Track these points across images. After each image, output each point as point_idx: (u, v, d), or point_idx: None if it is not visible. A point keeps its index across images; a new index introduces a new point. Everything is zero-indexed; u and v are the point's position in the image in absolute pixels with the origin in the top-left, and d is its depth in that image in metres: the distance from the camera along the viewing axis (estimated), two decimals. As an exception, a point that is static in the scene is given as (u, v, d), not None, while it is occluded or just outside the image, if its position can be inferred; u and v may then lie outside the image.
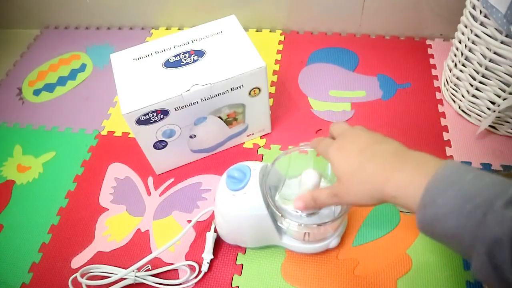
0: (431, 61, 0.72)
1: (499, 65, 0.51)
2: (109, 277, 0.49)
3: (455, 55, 0.60)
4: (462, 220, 0.26)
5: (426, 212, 0.28)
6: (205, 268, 0.50)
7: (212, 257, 0.51)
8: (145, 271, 0.50)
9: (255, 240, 0.50)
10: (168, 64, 0.54)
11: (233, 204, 0.45)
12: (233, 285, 0.49)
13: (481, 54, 0.53)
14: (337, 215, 0.43)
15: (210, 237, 0.51)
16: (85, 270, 0.50)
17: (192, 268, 0.50)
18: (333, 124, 0.41)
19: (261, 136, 0.65)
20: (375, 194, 0.32)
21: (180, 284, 0.49)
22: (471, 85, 0.58)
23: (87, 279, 0.50)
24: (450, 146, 0.60)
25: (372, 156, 0.34)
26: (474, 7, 0.53)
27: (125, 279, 0.49)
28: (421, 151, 0.32)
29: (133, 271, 0.49)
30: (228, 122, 0.58)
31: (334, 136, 0.40)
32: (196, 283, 0.50)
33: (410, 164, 0.31)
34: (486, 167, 0.57)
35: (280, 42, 0.80)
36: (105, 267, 0.51)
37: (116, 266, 0.52)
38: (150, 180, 0.62)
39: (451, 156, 0.58)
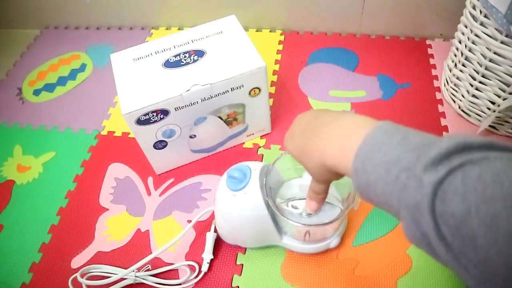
0: (431, 61, 0.72)
1: (499, 65, 0.51)
2: (109, 277, 0.49)
3: (455, 55, 0.60)
4: (389, 185, 0.26)
5: (359, 179, 0.28)
6: (205, 268, 0.50)
7: (212, 257, 0.51)
8: (145, 271, 0.50)
9: (255, 240, 0.50)
10: (168, 64, 0.54)
11: (233, 204, 0.45)
12: (233, 285, 0.49)
13: (481, 54, 0.53)
14: (337, 215, 0.43)
15: (210, 237, 0.51)
16: (85, 270, 0.50)
17: (192, 268, 0.50)
18: None
19: (261, 136, 0.65)
20: (322, 167, 0.32)
21: (180, 284, 0.49)
22: (471, 85, 0.58)
23: (87, 279, 0.50)
24: (450, 146, 0.60)
25: (311, 131, 0.34)
26: (474, 7, 0.53)
27: (125, 279, 0.49)
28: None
29: (133, 271, 0.49)
30: (228, 122, 0.58)
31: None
32: (196, 283, 0.50)
33: (342, 130, 0.31)
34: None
35: (280, 42, 0.80)
36: (105, 267, 0.51)
37: (116, 266, 0.52)
38: (150, 180, 0.62)
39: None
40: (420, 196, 0.24)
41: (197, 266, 0.50)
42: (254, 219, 0.45)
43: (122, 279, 0.49)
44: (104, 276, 0.50)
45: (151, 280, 0.49)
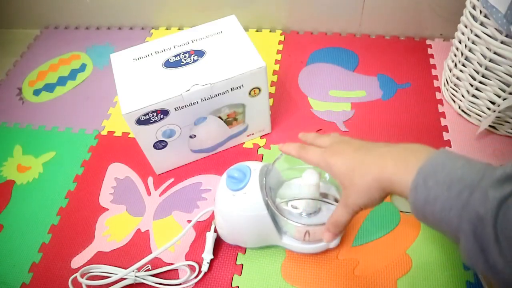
0: (431, 61, 0.72)
1: (499, 65, 0.51)
2: (109, 277, 0.49)
3: (455, 55, 0.60)
4: (450, 201, 0.27)
5: (417, 195, 0.29)
6: (205, 268, 0.50)
7: (212, 257, 0.51)
8: (145, 271, 0.50)
9: (255, 240, 0.50)
10: (168, 64, 0.54)
11: (233, 204, 0.45)
12: (233, 285, 0.49)
13: (481, 54, 0.53)
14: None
15: (210, 237, 0.51)
16: (85, 270, 0.50)
17: (192, 268, 0.50)
18: (316, 136, 0.42)
19: (261, 136, 0.65)
20: (376, 184, 0.33)
21: (180, 284, 0.49)
22: (471, 85, 0.58)
23: (87, 279, 0.50)
24: (450, 146, 0.60)
25: (369, 149, 0.35)
26: (474, 7, 0.53)
27: (125, 279, 0.49)
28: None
29: (133, 271, 0.49)
30: (228, 122, 0.58)
31: (320, 146, 0.40)
32: (196, 283, 0.50)
33: (406, 151, 0.32)
34: (486, 167, 0.57)
35: (280, 42, 0.80)
36: (105, 267, 0.51)
37: (116, 266, 0.52)
38: (150, 180, 0.62)
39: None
40: (484, 209, 0.25)
41: (197, 266, 0.50)
42: (254, 219, 0.45)
43: (122, 279, 0.49)
44: (104, 276, 0.50)
45: (151, 280, 0.49)
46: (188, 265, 0.50)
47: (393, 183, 0.31)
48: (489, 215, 0.24)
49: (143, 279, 0.49)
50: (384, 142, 0.37)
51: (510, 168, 0.26)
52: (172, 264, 0.51)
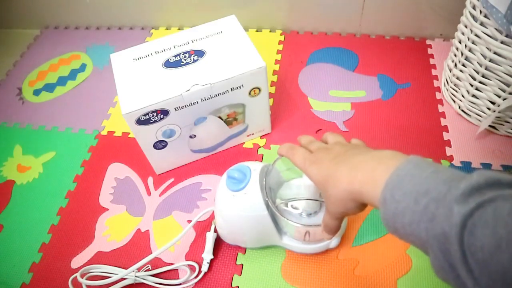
0: (431, 61, 0.72)
1: (499, 65, 0.51)
2: (109, 277, 0.49)
3: (455, 55, 0.60)
4: (417, 214, 0.26)
5: (386, 208, 0.28)
6: (205, 268, 0.50)
7: (212, 257, 0.51)
8: (145, 271, 0.50)
9: (255, 240, 0.50)
10: (168, 64, 0.54)
11: (233, 205, 0.45)
12: (233, 285, 0.49)
13: (481, 54, 0.53)
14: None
15: (210, 237, 0.51)
16: (85, 270, 0.50)
17: (192, 268, 0.50)
18: (310, 141, 0.42)
19: (261, 136, 0.65)
20: (347, 195, 0.32)
21: (180, 284, 0.49)
22: (471, 85, 0.58)
23: (87, 279, 0.50)
24: (450, 146, 0.60)
25: (341, 161, 0.34)
26: (474, 7, 0.53)
27: (125, 279, 0.49)
28: (415, 153, 0.33)
29: (133, 271, 0.49)
30: (228, 122, 0.58)
31: (311, 150, 0.40)
32: (196, 283, 0.50)
33: (374, 161, 0.31)
34: (486, 167, 0.57)
35: (280, 42, 0.80)
36: (105, 267, 0.51)
37: (116, 266, 0.52)
38: (150, 180, 0.62)
39: (451, 156, 0.58)
40: (449, 226, 0.24)
41: (197, 266, 0.50)
42: (254, 220, 0.45)
43: (122, 279, 0.49)
44: (104, 276, 0.50)
45: (151, 280, 0.49)
46: (188, 265, 0.50)
47: (362, 194, 0.31)
48: (453, 232, 0.23)
49: (143, 279, 0.49)
50: (365, 147, 0.37)
51: (476, 179, 0.24)
52: (172, 264, 0.51)
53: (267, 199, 0.44)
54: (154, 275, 0.50)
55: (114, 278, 0.49)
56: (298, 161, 0.39)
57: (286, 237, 0.48)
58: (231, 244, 0.52)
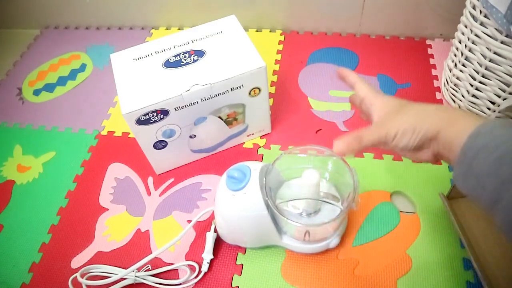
0: (431, 61, 0.72)
1: (499, 65, 0.51)
2: (109, 277, 0.49)
3: (455, 55, 0.60)
4: (509, 155, 0.27)
5: (476, 141, 0.29)
6: (205, 268, 0.50)
7: (212, 257, 0.51)
8: (145, 271, 0.50)
9: (255, 240, 0.50)
10: (168, 64, 0.54)
11: (233, 204, 0.45)
12: (233, 285, 0.49)
13: (481, 54, 0.53)
14: (337, 215, 0.43)
15: (210, 237, 0.51)
16: (85, 270, 0.50)
17: (192, 268, 0.50)
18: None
19: (261, 136, 0.65)
20: (420, 123, 0.33)
21: (180, 284, 0.49)
22: (471, 85, 0.58)
23: (87, 279, 0.50)
24: (450, 146, 0.60)
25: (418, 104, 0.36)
26: (474, 7, 0.53)
27: (125, 279, 0.49)
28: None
29: (133, 271, 0.49)
30: (228, 122, 0.58)
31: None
32: (196, 283, 0.50)
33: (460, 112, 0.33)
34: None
35: (280, 42, 0.80)
36: (105, 267, 0.51)
37: (116, 266, 0.52)
38: (150, 180, 0.62)
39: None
40: None
41: (197, 266, 0.50)
42: (254, 219, 0.45)
43: (122, 279, 0.49)
44: (104, 276, 0.50)
45: (151, 280, 0.49)
46: (188, 265, 0.50)
47: (444, 129, 0.32)
48: None
49: (143, 279, 0.49)
50: None
51: None
52: (172, 264, 0.51)
53: (267, 198, 0.44)
54: (154, 275, 0.50)
55: (114, 278, 0.49)
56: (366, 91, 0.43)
57: (286, 237, 0.48)
58: (231, 244, 0.52)
